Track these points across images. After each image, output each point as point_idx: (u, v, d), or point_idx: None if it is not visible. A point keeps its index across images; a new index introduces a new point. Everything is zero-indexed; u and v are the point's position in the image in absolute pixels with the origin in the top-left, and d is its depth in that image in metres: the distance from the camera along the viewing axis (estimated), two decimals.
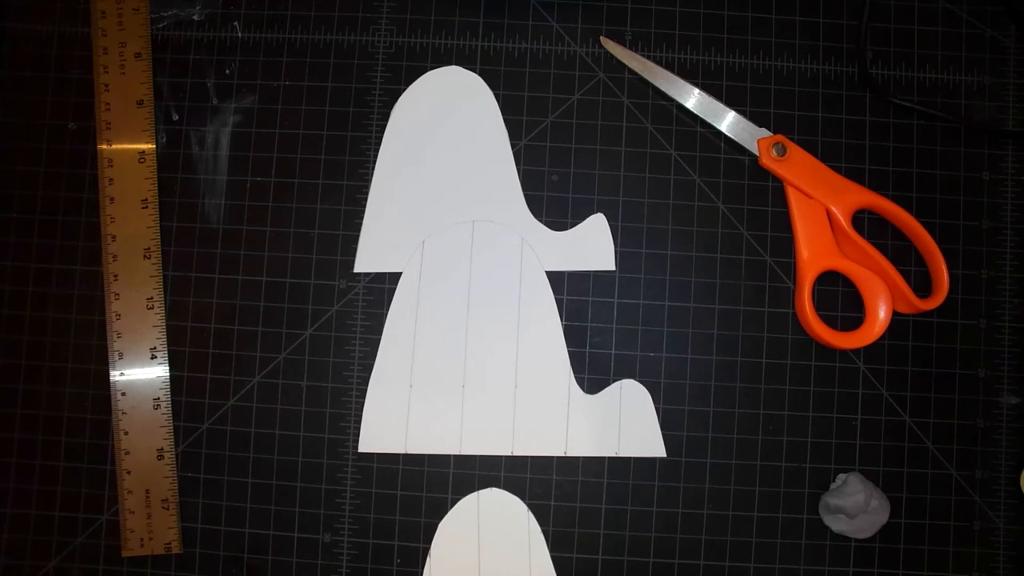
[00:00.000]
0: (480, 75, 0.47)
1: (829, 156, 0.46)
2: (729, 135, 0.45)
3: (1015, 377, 0.45)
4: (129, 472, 0.44)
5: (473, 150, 0.46)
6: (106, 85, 0.46)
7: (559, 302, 0.45)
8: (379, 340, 0.45)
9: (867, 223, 0.46)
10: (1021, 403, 0.45)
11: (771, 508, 0.44)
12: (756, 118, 0.46)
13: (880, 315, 0.44)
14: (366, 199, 0.46)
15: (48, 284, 0.46)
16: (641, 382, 0.45)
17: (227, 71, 0.47)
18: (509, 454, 0.44)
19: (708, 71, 0.47)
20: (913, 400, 0.45)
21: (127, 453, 0.44)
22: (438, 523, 0.44)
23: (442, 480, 0.44)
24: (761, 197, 0.46)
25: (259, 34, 0.47)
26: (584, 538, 0.44)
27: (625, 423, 0.44)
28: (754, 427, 0.45)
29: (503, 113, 0.46)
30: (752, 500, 0.44)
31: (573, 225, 0.46)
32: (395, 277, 0.45)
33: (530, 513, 0.44)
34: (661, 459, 0.44)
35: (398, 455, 0.45)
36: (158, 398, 0.45)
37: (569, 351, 0.45)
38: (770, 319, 0.45)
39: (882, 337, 0.44)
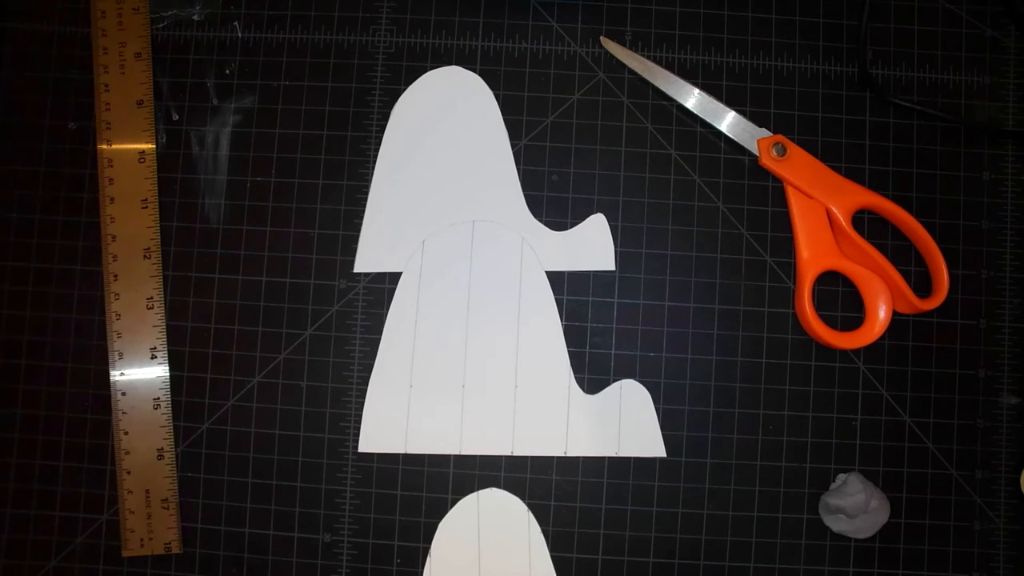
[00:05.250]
0: (480, 75, 0.47)
1: (829, 156, 0.46)
2: (729, 135, 0.45)
3: (1015, 377, 0.45)
4: (129, 472, 0.44)
5: (473, 150, 0.46)
6: (106, 85, 0.46)
7: (559, 302, 0.45)
8: (379, 340, 0.45)
9: (867, 223, 0.46)
10: (1021, 403, 0.45)
11: (771, 508, 0.44)
12: (756, 118, 0.46)
13: (880, 315, 0.44)
14: (366, 199, 0.46)
15: (48, 284, 0.46)
16: (641, 382, 0.45)
17: (227, 71, 0.47)
18: (509, 454, 0.44)
19: (708, 71, 0.47)
20: (913, 400, 0.45)
21: (127, 453, 0.44)
22: (438, 523, 0.44)
23: (442, 480, 0.44)
24: (761, 197, 0.46)
25: (259, 34, 0.47)
26: (584, 538, 0.44)
27: (625, 423, 0.44)
28: (754, 427, 0.45)
29: (503, 113, 0.46)
30: (752, 500, 0.44)
31: (573, 225, 0.46)
32: (395, 277, 0.45)
33: (530, 513, 0.44)
34: (661, 459, 0.44)
35: (398, 455, 0.45)
36: (158, 398, 0.45)
37: (569, 351, 0.45)
38: (770, 319, 0.45)
39: (882, 337, 0.44)
